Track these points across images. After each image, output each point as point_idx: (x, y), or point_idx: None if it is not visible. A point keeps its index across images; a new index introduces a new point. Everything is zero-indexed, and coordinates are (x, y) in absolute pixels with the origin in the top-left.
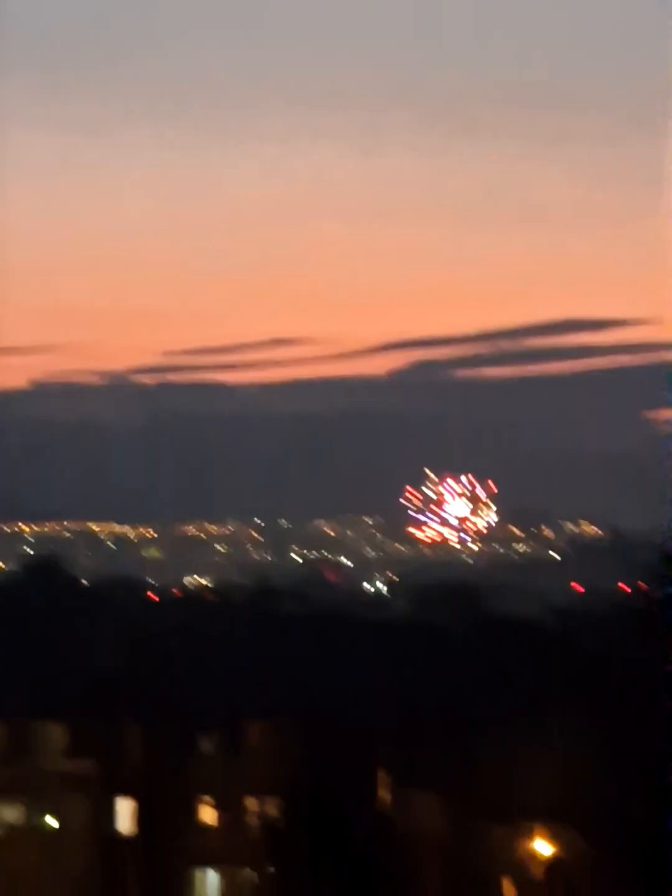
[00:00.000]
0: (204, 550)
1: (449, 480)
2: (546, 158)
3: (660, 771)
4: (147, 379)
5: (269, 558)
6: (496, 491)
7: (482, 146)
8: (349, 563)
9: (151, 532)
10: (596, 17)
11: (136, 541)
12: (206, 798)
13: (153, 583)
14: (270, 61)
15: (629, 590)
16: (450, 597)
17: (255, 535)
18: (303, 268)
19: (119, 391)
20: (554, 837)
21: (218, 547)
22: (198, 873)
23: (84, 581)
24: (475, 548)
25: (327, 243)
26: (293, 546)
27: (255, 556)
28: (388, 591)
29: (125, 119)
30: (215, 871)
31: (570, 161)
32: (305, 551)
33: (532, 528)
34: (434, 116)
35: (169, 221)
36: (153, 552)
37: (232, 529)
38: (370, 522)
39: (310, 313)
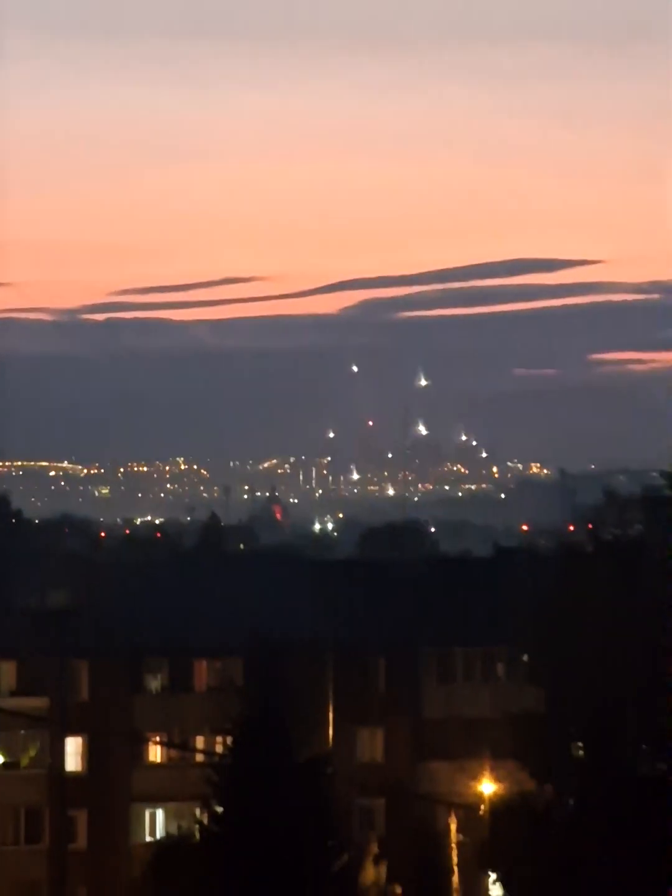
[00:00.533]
0: (153, 488)
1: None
2: (501, 95)
3: (605, 711)
4: (97, 316)
5: (218, 496)
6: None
7: (438, 82)
8: (295, 501)
9: (100, 470)
10: None
11: (84, 478)
12: (154, 735)
13: (102, 520)
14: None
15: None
16: (395, 535)
17: (205, 473)
18: (256, 206)
19: (69, 328)
20: (496, 774)
21: (168, 485)
22: (146, 810)
23: (35, 520)
24: (423, 487)
25: (280, 181)
26: (243, 485)
27: (205, 495)
28: (334, 529)
29: (83, 54)
30: (162, 808)
31: (526, 98)
32: (255, 490)
33: (480, 469)
34: (387, 51)
35: (120, 159)
36: (103, 491)
37: (183, 468)
38: (320, 461)
39: (262, 252)
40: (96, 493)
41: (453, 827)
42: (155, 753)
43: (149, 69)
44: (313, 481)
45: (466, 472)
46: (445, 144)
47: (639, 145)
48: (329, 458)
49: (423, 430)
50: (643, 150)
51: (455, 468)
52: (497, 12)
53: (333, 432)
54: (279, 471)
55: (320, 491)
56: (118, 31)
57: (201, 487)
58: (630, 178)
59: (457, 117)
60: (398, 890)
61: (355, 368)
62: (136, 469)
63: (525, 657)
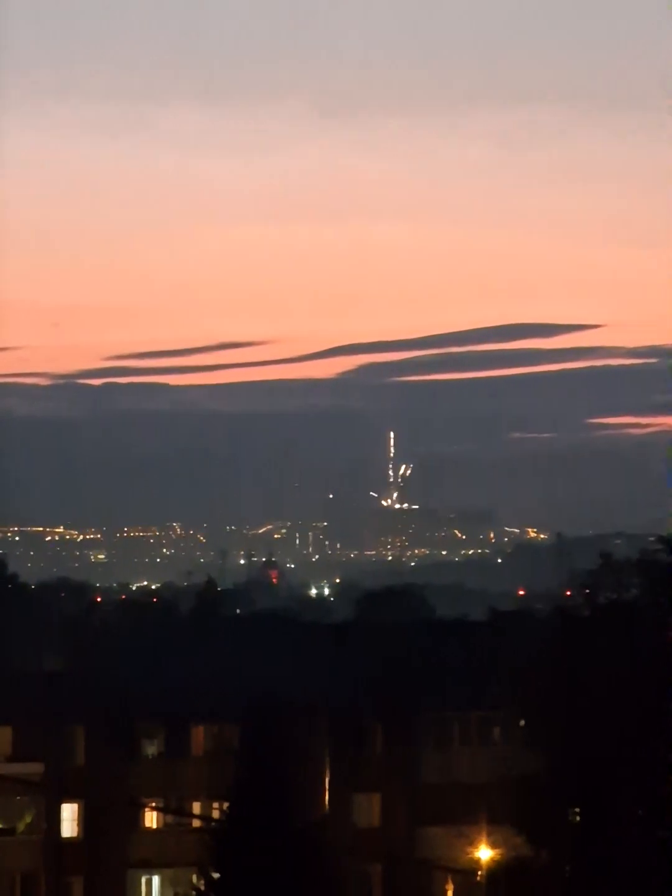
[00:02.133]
0: (150, 553)
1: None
2: (500, 158)
3: (602, 776)
4: (94, 381)
5: (215, 561)
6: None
7: (436, 146)
8: (292, 566)
9: (96, 535)
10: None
11: (81, 543)
12: (151, 801)
13: (99, 585)
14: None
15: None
16: (392, 599)
17: (201, 538)
18: (254, 271)
19: (66, 392)
20: (493, 839)
21: (164, 550)
22: (142, 876)
23: (31, 585)
24: (420, 552)
25: (279, 247)
26: (239, 550)
27: (201, 559)
28: (330, 593)
29: (81, 118)
30: (159, 874)
31: (514, 160)
32: (252, 555)
33: (477, 533)
34: (383, 115)
35: (119, 223)
36: (99, 555)
37: (179, 532)
38: (316, 526)
39: (260, 317)
40: (93, 558)
41: (450, 893)
42: (151, 819)
43: (149, 133)
44: (310, 546)
45: (463, 536)
46: (443, 209)
47: (636, 209)
48: (326, 523)
49: (419, 494)
50: (641, 214)
51: (452, 532)
52: (495, 75)
53: (331, 497)
54: (276, 535)
55: (317, 555)
56: (117, 94)
57: (198, 552)
58: (627, 242)
59: (454, 182)
60: None
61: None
62: (132, 534)
63: (522, 721)
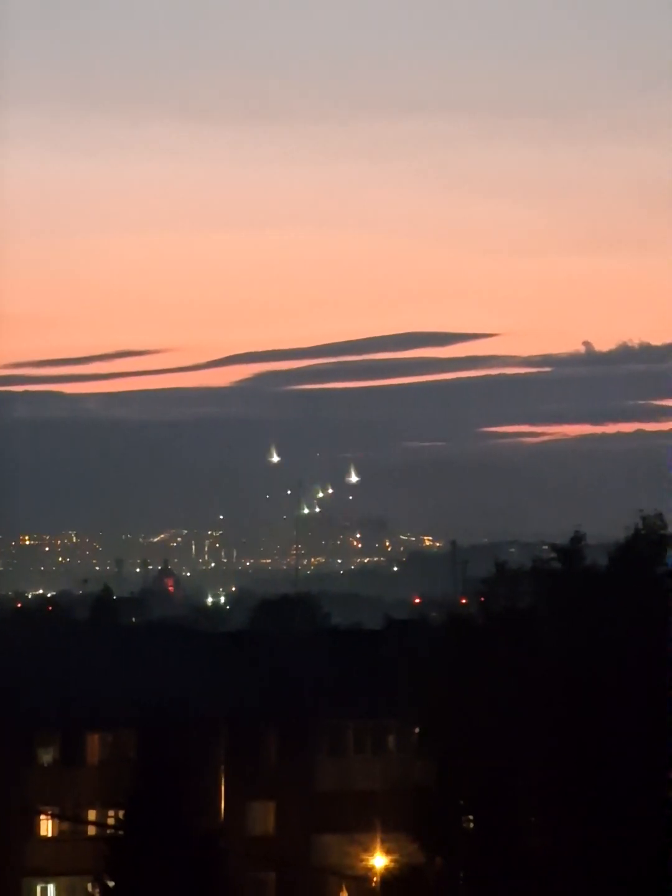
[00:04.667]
0: (45, 561)
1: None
2: (374, 166)
3: (495, 784)
4: None
5: (110, 569)
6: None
7: (327, 155)
8: (188, 574)
9: None
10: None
11: None
12: (46, 809)
13: None
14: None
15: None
16: (288, 607)
17: (97, 546)
18: (151, 279)
19: None
20: (388, 847)
21: (59, 558)
22: (37, 885)
23: None
24: (315, 561)
25: (175, 255)
26: (135, 558)
27: (97, 567)
28: (226, 601)
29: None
30: (54, 882)
31: (411, 169)
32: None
33: (373, 542)
34: (277, 125)
35: (13, 229)
36: None
37: (75, 540)
38: (212, 534)
39: (157, 325)
40: None
41: None
42: (47, 827)
43: (44, 137)
44: (206, 554)
45: (359, 544)
46: (337, 218)
47: (532, 219)
48: (221, 532)
49: (315, 502)
50: (537, 224)
51: (348, 541)
52: (380, 85)
53: (226, 505)
54: (172, 543)
55: (213, 564)
56: (22, 99)
57: (94, 560)
58: (522, 250)
59: (347, 191)
60: None
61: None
62: (27, 542)
63: (416, 729)
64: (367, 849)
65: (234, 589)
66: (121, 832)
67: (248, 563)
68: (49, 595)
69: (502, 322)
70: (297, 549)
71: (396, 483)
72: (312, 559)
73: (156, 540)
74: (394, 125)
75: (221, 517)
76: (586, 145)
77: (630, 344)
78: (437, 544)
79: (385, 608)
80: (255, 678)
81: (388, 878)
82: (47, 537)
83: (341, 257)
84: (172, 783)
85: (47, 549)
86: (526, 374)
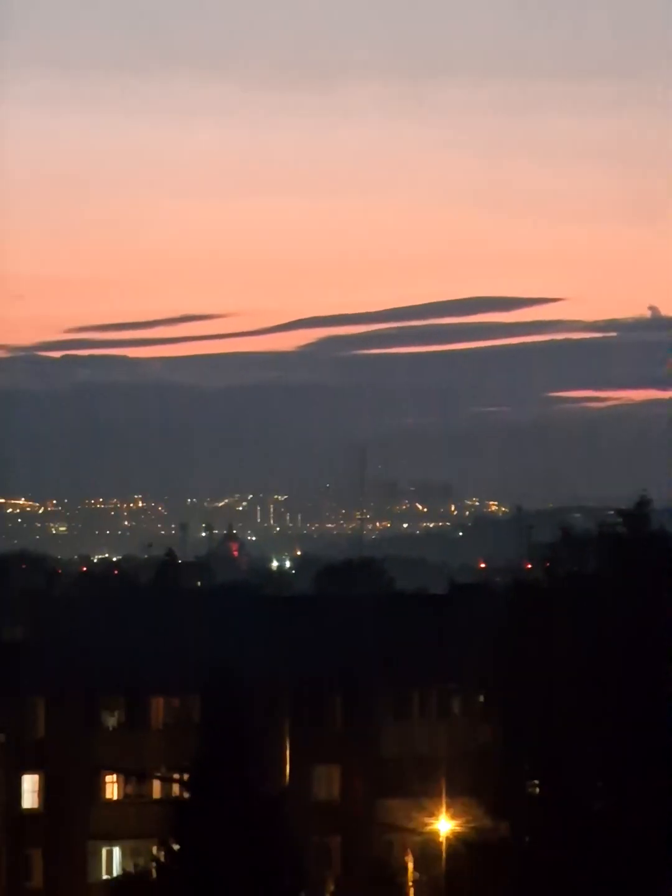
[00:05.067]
0: (111, 525)
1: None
2: (460, 132)
3: (560, 748)
4: (54, 353)
5: (175, 533)
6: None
7: (398, 120)
8: (253, 539)
9: (57, 506)
10: None
11: (41, 515)
12: (111, 773)
13: (59, 557)
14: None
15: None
16: (352, 572)
17: (162, 510)
18: (215, 244)
19: (26, 365)
20: (453, 811)
21: (125, 522)
22: (103, 848)
23: None
24: (381, 525)
25: (239, 220)
26: (200, 522)
27: (162, 532)
28: (291, 566)
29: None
30: (119, 845)
31: (479, 135)
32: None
33: (438, 506)
34: (344, 91)
35: (79, 194)
36: (60, 527)
37: (140, 504)
38: (277, 499)
39: (221, 289)
40: (54, 530)
41: (410, 864)
42: (112, 791)
43: (111, 103)
44: (271, 518)
45: (424, 509)
46: (405, 183)
47: (595, 184)
48: (287, 496)
49: (381, 466)
50: (600, 188)
51: (413, 505)
52: (457, 50)
53: (292, 469)
54: (237, 508)
55: (278, 528)
56: (75, 66)
57: (159, 524)
58: (587, 216)
59: (415, 156)
60: None
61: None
62: (93, 506)
63: (481, 695)
64: (432, 813)
65: (298, 553)
66: (186, 795)
67: (312, 528)
68: (114, 559)
69: (567, 287)
70: (361, 513)
71: (462, 448)
72: (377, 524)
73: (220, 504)
74: (463, 90)
75: (288, 478)
76: (654, 111)
77: None
78: (503, 509)
79: (450, 573)
80: (320, 643)
81: (454, 841)
82: (113, 501)
83: (407, 222)
84: (237, 747)
85: (113, 513)
86: (591, 338)
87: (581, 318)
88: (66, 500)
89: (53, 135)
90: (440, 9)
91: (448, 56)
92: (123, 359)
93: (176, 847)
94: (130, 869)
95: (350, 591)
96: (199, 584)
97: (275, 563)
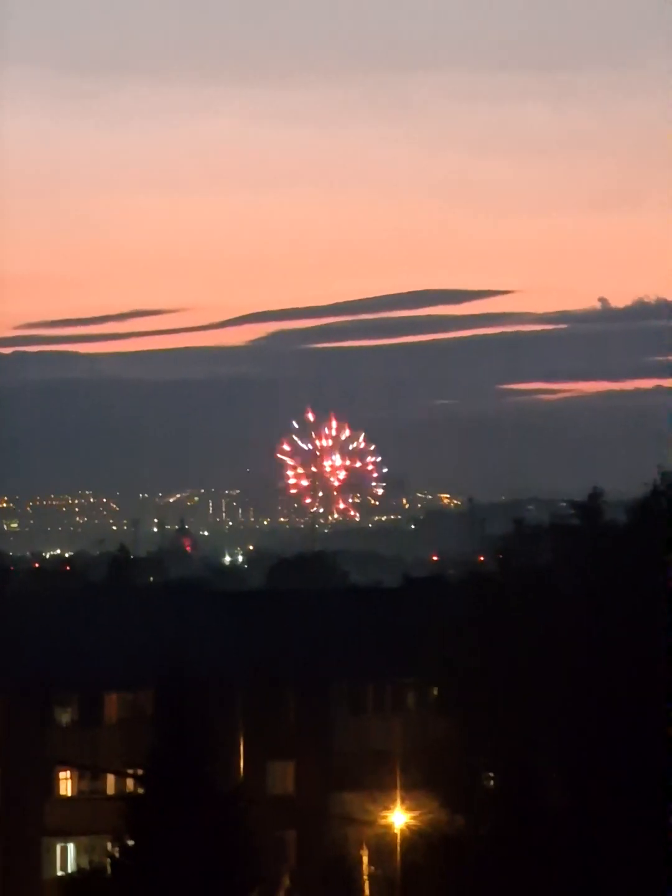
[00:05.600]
0: (63, 522)
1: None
2: (388, 126)
3: (515, 741)
4: (4, 349)
5: (127, 529)
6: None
7: (344, 114)
8: (206, 534)
9: (9, 504)
10: None
11: None
12: (65, 769)
13: (11, 554)
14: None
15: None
16: (305, 566)
17: (114, 506)
18: (166, 238)
19: None
20: (408, 804)
21: (77, 519)
22: (57, 844)
23: None
24: (332, 518)
25: (190, 214)
26: (152, 518)
27: (114, 528)
28: (244, 561)
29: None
30: (74, 842)
31: (423, 128)
32: (165, 523)
33: (390, 500)
34: (295, 83)
35: (26, 188)
36: (11, 524)
37: (92, 501)
38: (229, 493)
39: (170, 284)
40: (5, 527)
41: (365, 858)
42: (66, 787)
43: (59, 99)
44: (223, 513)
45: (376, 503)
46: (353, 176)
47: (546, 177)
48: (239, 491)
49: (333, 460)
50: (551, 181)
51: (365, 499)
52: (399, 42)
53: (243, 464)
54: (188, 503)
55: (230, 523)
56: (32, 61)
57: (111, 520)
58: (536, 208)
59: (363, 150)
60: None
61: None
62: (44, 502)
63: (435, 688)
64: (388, 806)
65: (251, 548)
66: (140, 791)
67: (265, 523)
68: (66, 555)
69: (518, 279)
70: (314, 507)
71: (413, 441)
72: (330, 518)
73: (172, 500)
74: (405, 83)
75: (240, 473)
76: (599, 101)
77: (646, 300)
78: (456, 502)
79: (403, 566)
80: (274, 637)
81: (409, 835)
82: (65, 497)
83: (355, 216)
84: (191, 742)
85: (64, 509)
86: (542, 331)
87: (532, 310)
88: (17, 497)
89: (0, 131)
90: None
91: (391, 50)
92: (74, 355)
93: (130, 843)
94: (85, 865)
95: (303, 585)
96: (151, 579)
97: (228, 558)
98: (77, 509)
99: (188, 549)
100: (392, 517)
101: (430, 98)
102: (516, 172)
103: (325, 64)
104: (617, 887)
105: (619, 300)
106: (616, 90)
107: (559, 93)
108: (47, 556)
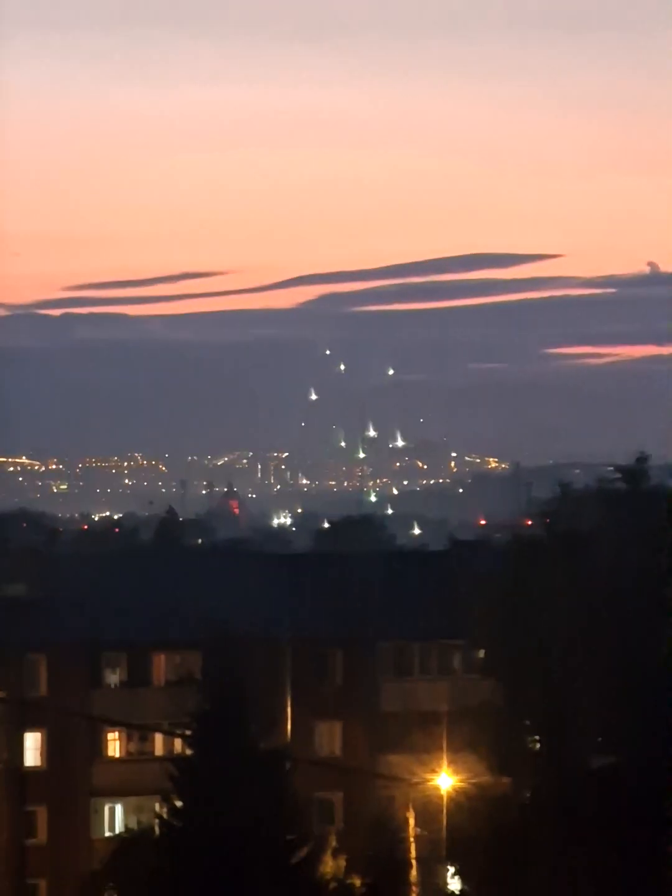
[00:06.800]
0: (111, 483)
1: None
2: (459, 89)
3: (560, 704)
4: (53, 311)
5: (175, 491)
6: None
7: (397, 76)
8: (253, 496)
9: (58, 465)
10: None
11: (42, 473)
12: (113, 729)
13: (60, 515)
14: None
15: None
16: (352, 529)
17: (163, 468)
18: (215, 201)
19: (25, 323)
20: (454, 767)
21: (125, 480)
22: (105, 804)
23: None
24: (381, 482)
25: (239, 176)
26: (200, 480)
27: (163, 489)
28: (291, 523)
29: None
30: (121, 802)
31: (475, 89)
32: (213, 485)
33: (438, 463)
34: (348, 45)
35: (78, 151)
36: (61, 486)
37: (141, 463)
38: (277, 456)
39: (220, 246)
40: (54, 489)
41: (411, 820)
42: (114, 748)
43: (111, 61)
44: (271, 476)
45: (424, 466)
46: (404, 139)
47: (596, 139)
48: (287, 453)
49: (380, 424)
50: (600, 144)
51: (413, 462)
52: (454, 5)
53: (291, 426)
54: (237, 465)
55: (278, 485)
56: (72, 24)
57: (159, 482)
58: (587, 172)
59: (416, 111)
60: (357, 883)
61: (327, 354)
62: (93, 464)
63: (481, 650)
64: (434, 769)
65: (299, 511)
66: (188, 752)
67: (313, 485)
68: (115, 517)
69: (566, 243)
70: (362, 470)
71: (461, 405)
72: (378, 480)
73: (220, 462)
74: (459, 45)
75: (288, 435)
76: (651, 62)
77: None
78: (502, 466)
79: (450, 530)
80: (320, 599)
81: (455, 797)
82: (114, 459)
83: (405, 178)
84: (239, 703)
85: (113, 471)
86: (589, 295)
87: (580, 275)
88: (66, 459)
89: (51, 93)
90: None
91: (447, 11)
92: (123, 316)
93: (178, 803)
94: (133, 826)
95: (350, 548)
96: (199, 541)
97: (275, 521)
98: (126, 471)
99: (236, 511)
100: (439, 480)
101: (483, 59)
102: (569, 135)
103: (373, 23)
104: (662, 850)
105: (669, 264)
106: (669, 51)
107: (612, 54)
108: (96, 518)
